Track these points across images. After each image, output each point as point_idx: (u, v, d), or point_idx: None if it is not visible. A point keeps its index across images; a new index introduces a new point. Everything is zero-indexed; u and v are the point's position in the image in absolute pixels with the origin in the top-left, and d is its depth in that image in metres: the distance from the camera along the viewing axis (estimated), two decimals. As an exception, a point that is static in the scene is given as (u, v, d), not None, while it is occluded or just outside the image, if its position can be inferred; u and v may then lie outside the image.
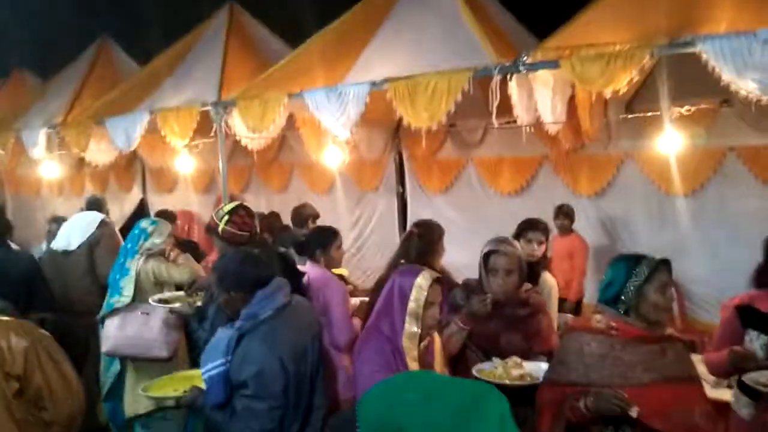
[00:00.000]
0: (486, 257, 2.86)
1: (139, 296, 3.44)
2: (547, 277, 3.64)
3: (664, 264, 2.30)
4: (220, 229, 3.23)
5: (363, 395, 1.40)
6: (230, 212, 3.26)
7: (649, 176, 5.64)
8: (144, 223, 3.75)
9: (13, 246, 4.86)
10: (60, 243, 4.54)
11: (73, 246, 4.50)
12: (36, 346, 2.23)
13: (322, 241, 3.71)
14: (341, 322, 3.42)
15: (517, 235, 3.58)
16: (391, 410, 1.30)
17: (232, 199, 5.56)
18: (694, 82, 4.24)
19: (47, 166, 8.10)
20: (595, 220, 6.02)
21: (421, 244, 3.37)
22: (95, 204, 5.57)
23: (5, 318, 2.34)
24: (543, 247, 3.67)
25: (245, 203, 3.64)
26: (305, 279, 3.42)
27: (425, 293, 2.36)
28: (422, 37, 4.55)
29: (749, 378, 2.50)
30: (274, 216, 6.06)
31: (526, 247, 3.55)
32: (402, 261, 3.31)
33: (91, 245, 4.48)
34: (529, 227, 3.67)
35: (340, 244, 3.82)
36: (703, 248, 5.30)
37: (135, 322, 3.38)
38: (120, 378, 3.47)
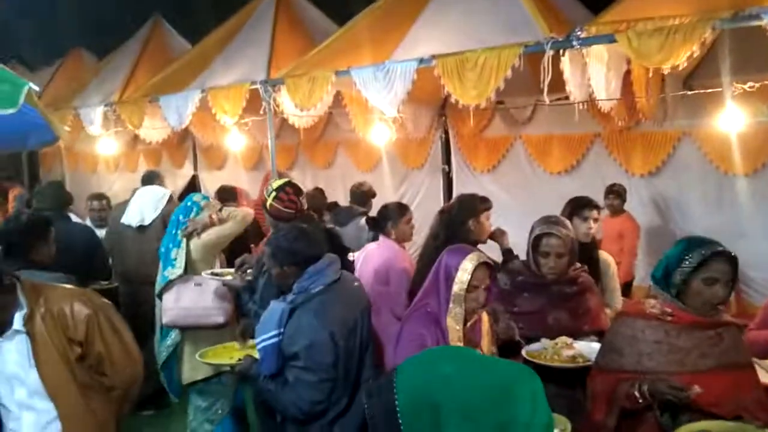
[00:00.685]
0: (537, 239, 2.82)
1: (191, 268, 3.52)
2: (605, 255, 3.56)
3: (719, 256, 2.13)
4: (267, 204, 3.32)
5: (401, 364, 1.41)
6: (277, 189, 3.33)
7: (707, 155, 5.43)
8: (196, 197, 3.82)
9: (73, 218, 5.05)
10: (134, 218, 4.71)
11: (148, 221, 4.70)
12: (98, 314, 2.28)
13: (393, 216, 3.80)
14: (398, 296, 3.49)
15: (570, 214, 3.50)
16: (428, 383, 1.31)
17: (279, 176, 5.66)
18: (757, 56, 4.06)
19: (104, 142, 8.39)
20: (648, 200, 5.85)
21: (450, 222, 3.35)
22: (153, 178, 5.66)
23: (70, 286, 2.44)
24: (597, 225, 3.60)
25: (292, 180, 3.70)
26: (372, 251, 3.56)
27: (469, 276, 2.36)
28: (471, 13, 4.48)
29: None
30: (319, 192, 6.13)
31: (581, 225, 3.47)
32: (432, 241, 3.32)
33: (164, 219, 4.53)
34: (586, 205, 3.58)
35: (410, 218, 3.87)
36: (761, 231, 5.09)
37: (190, 293, 3.46)
38: (176, 347, 3.56)
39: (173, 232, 3.64)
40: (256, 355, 2.52)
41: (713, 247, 2.16)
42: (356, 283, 2.71)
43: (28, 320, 2.17)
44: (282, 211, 3.28)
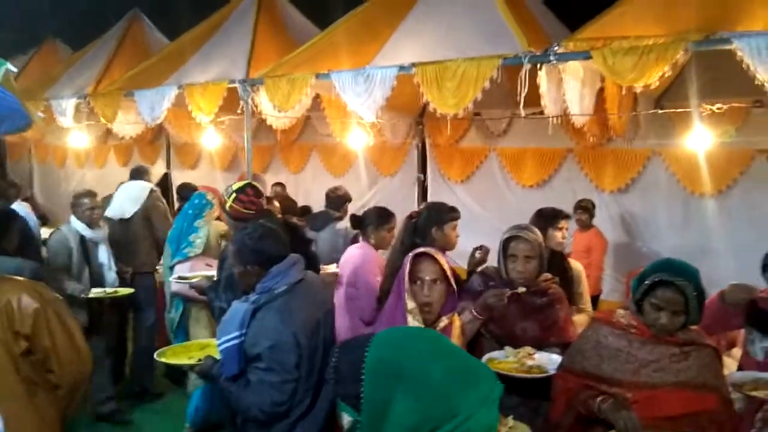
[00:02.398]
0: (506, 242, 2.85)
1: (207, 250, 4.21)
2: (575, 264, 3.65)
3: (665, 285, 2.19)
4: (227, 206, 3.35)
5: (383, 330, 1.47)
6: (238, 190, 3.40)
7: (675, 174, 5.57)
8: (209, 197, 4.40)
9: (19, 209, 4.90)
10: (116, 212, 5.03)
11: (128, 214, 5.02)
12: (46, 308, 2.22)
13: (373, 221, 3.83)
14: (367, 297, 3.51)
15: (544, 225, 3.56)
16: (400, 351, 1.36)
17: (254, 178, 5.68)
18: (726, 80, 4.17)
19: (75, 136, 8.22)
20: (617, 216, 5.96)
21: (415, 228, 3.36)
22: (142, 173, 5.75)
23: (19, 278, 2.37)
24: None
25: (256, 183, 3.79)
26: (351, 253, 3.70)
27: (408, 267, 2.39)
28: (452, 23, 4.52)
29: (732, 379, 2.47)
30: (281, 187, 6.23)
31: (556, 234, 3.55)
32: (399, 246, 3.34)
33: (146, 212, 5.04)
34: (557, 215, 3.65)
35: (393, 226, 3.88)
36: (728, 250, 5.21)
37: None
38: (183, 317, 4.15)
39: (190, 221, 4.29)
40: (216, 355, 2.48)
41: (660, 276, 2.21)
42: (320, 283, 2.70)
43: None
44: (242, 212, 3.35)
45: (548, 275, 2.93)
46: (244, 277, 2.46)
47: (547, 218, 3.62)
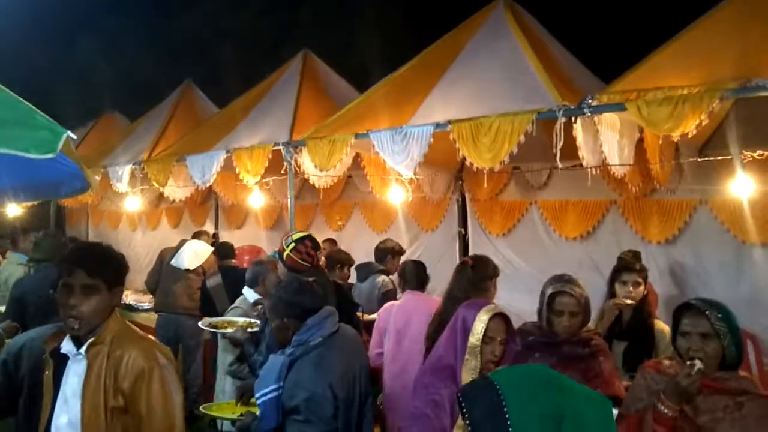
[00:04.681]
0: (552, 297, 2.83)
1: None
2: (661, 325, 3.44)
3: (689, 310, 2.23)
4: (285, 255, 3.41)
5: (495, 372, 1.58)
6: (296, 240, 3.45)
7: (725, 223, 5.41)
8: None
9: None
10: (182, 263, 5.92)
11: (192, 267, 5.87)
12: (152, 372, 2.13)
13: (422, 280, 3.98)
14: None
15: (612, 279, 3.51)
16: (554, 392, 1.45)
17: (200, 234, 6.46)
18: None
19: (129, 200, 8.65)
20: (666, 267, 5.79)
21: (474, 276, 3.35)
22: (200, 235, 6.74)
23: (148, 336, 2.33)
24: (641, 289, 3.53)
25: (312, 235, 3.83)
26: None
27: (484, 326, 2.37)
28: (486, 82, 4.64)
29: None
30: (330, 243, 6.46)
31: (620, 290, 3.47)
32: (453, 295, 3.33)
33: (204, 268, 5.95)
34: (623, 269, 3.58)
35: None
36: (784, 302, 4.99)
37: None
38: None
39: None
40: (257, 412, 2.51)
41: (686, 301, 2.29)
42: (355, 336, 2.72)
43: (91, 348, 2.14)
44: (298, 263, 3.38)
45: (590, 326, 2.88)
46: (281, 330, 2.51)
47: (614, 270, 3.59)
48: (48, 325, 2.69)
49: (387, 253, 5.58)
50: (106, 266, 2.19)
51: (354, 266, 5.60)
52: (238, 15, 13.09)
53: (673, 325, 2.30)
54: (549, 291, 2.85)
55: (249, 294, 4.01)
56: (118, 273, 2.24)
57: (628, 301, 3.47)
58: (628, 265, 3.61)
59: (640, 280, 3.54)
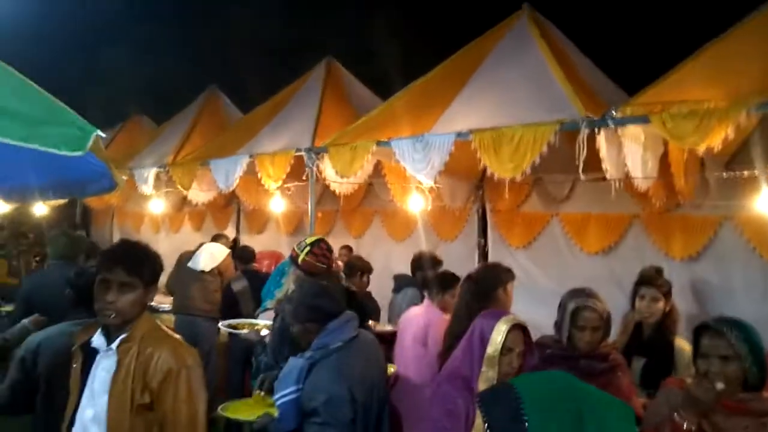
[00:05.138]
0: (574, 312, 2.80)
1: None
2: (682, 343, 3.36)
3: (708, 331, 2.19)
4: (300, 259, 3.46)
5: (515, 379, 1.65)
6: (311, 244, 3.50)
7: (751, 241, 5.29)
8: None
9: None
10: (198, 264, 6.04)
11: (207, 269, 5.99)
12: (180, 373, 2.18)
13: (442, 285, 3.91)
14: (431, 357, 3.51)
15: (633, 294, 3.46)
16: (565, 391, 1.53)
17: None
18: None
19: (154, 203, 8.79)
20: (689, 285, 5.67)
21: (477, 288, 3.33)
22: (219, 238, 6.91)
23: (177, 336, 2.38)
24: (660, 305, 3.46)
25: (324, 238, 3.89)
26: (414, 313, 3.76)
27: (503, 337, 2.35)
28: (509, 91, 4.64)
29: None
30: (348, 249, 6.56)
31: (639, 304, 3.42)
32: (464, 308, 3.31)
33: (219, 269, 6.06)
34: (642, 282, 3.52)
35: (455, 293, 3.87)
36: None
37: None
38: None
39: (277, 279, 4.40)
40: (275, 413, 2.52)
41: (705, 322, 2.25)
42: (375, 342, 2.73)
43: (122, 344, 2.19)
44: (314, 265, 3.43)
45: (608, 341, 2.85)
46: (302, 334, 2.53)
47: (635, 284, 3.55)
48: (65, 322, 2.74)
49: (415, 266, 5.60)
50: (144, 265, 2.26)
51: (393, 276, 5.69)
52: (264, 23, 13.27)
53: (693, 345, 2.25)
54: (572, 305, 2.82)
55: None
56: (154, 272, 2.31)
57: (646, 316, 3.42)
58: (646, 279, 3.55)
59: (659, 295, 3.46)
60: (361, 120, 5.66)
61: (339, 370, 2.35)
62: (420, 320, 3.83)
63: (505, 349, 2.36)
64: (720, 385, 2.09)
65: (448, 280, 3.93)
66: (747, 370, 2.13)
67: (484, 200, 6.95)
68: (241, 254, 6.42)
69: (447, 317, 3.80)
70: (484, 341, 2.38)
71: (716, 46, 4.08)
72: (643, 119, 3.74)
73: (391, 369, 3.65)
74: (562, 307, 2.90)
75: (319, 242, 3.55)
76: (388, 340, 4.29)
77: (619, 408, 1.51)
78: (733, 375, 2.14)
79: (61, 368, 2.38)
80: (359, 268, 5.49)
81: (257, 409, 2.76)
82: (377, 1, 12.51)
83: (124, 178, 5.60)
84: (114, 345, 2.20)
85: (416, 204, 6.32)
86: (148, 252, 2.32)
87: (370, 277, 5.57)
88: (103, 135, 2.30)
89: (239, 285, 5.79)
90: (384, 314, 5.89)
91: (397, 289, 5.37)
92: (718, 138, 3.38)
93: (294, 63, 8.12)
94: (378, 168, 5.82)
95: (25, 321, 3.21)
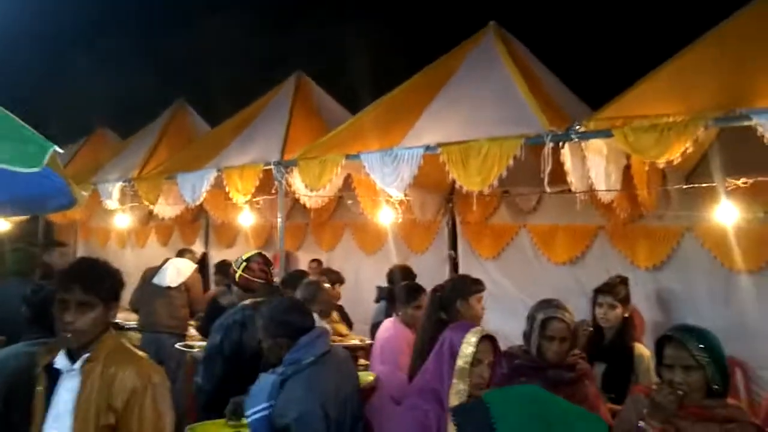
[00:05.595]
0: (544, 323, 2.83)
1: None
2: (641, 349, 3.48)
3: (669, 341, 2.26)
4: (237, 276, 3.42)
5: (494, 393, 1.67)
6: (247, 259, 3.48)
7: (712, 251, 5.44)
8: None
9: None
10: (164, 280, 5.90)
11: (174, 284, 5.88)
12: (145, 391, 2.14)
13: (403, 298, 3.90)
14: (392, 376, 3.51)
15: (593, 300, 3.57)
16: (540, 405, 1.55)
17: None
18: (754, 155, 4.18)
19: (119, 218, 8.61)
20: (653, 293, 5.81)
21: (442, 302, 3.35)
22: (185, 253, 6.79)
23: (142, 354, 2.32)
24: (617, 311, 3.55)
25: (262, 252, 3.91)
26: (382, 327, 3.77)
27: (473, 349, 2.37)
28: (476, 106, 4.70)
29: None
30: (317, 263, 6.46)
31: (597, 311, 3.52)
32: (426, 321, 3.33)
33: (187, 285, 5.96)
34: (598, 291, 3.63)
35: (421, 304, 3.89)
36: (770, 330, 5.00)
37: None
38: None
39: None
40: None
41: (667, 332, 2.32)
42: (347, 357, 2.72)
43: (86, 364, 2.14)
44: (252, 281, 3.41)
45: (576, 351, 2.89)
46: (273, 349, 2.50)
47: (594, 292, 3.63)
48: (21, 343, 2.66)
49: (390, 278, 5.62)
50: (102, 282, 2.20)
51: (376, 287, 5.77)
52: (232, 35, 13.23)
53: (656, 354, 2.30)
54: (540, 316, 2.86)
55: None
56: (113, 289, 2.25)
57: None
58: (603, 287, 3.65)
59: (615, 303, 3.57)
60: (330, 134, 5.67)
61: (311, 385, 2.33)
62: (383, 334, 3.83)
63: (475, 360, 2.38)
64: (680, 392, 2.14)
65: (409, 293, 3.93)
66: (709, 378, 2.19)
67: (454, 213, 7.01)
68: (222, 268, 6.32)
69: (406, 330, 3.81)
70: (453, 353, 2.39)
71: (675, 62, 4.21)
72: (606, 133, 3.83)
73: (370, 377, 3.63)
74: (530, 318, 2.94)
75: (256, 257, 3.53)
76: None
77: (590, 422, 1.53)
78: (696, 384, 2.19)
79: (18, 390, 2.30)
80: (330, 280, 5.49)
81: (227, 429, 2.71)
82: (347, 17, 12.61)
83: (85, 193, 5.49)
84: (77, 365, 2.15)
85: (387, 217, 6.35)
86: (106, 269, 2.27)
87: (340, 290, 5.58)
88: (61, 150, 2.25)
89: (227, 299, 5.69)
90: (365, 326, 5.90)
91: (377, 300, 5.38)
92: (677, 151, 3.48)
93: (263, 77, 8.12)
94: (348, 181, 5.83)
95: None
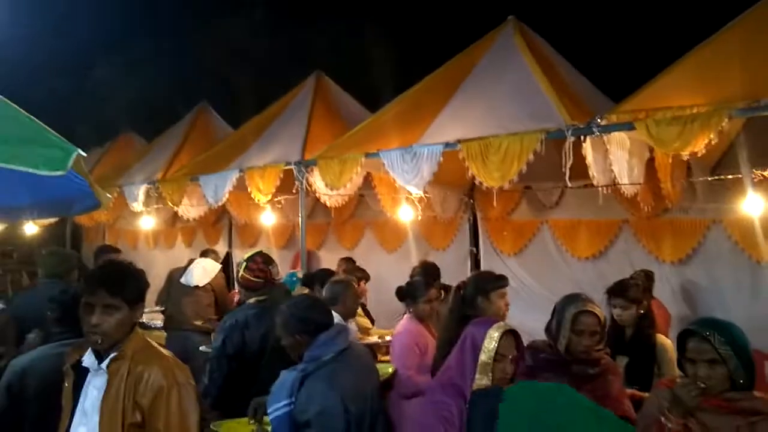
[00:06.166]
0: (576, 317, 2.82)
1: None
2: (663, 340, 3.50)
3: (692, 336, 2.21)
4: (239, 276, 3.47)
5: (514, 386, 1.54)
6: (248, 259, 3.54)
7: (739, 243, 5.35)
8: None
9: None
10: (191, 280, 6.00)
11: (201, 284, 5.96)
12: (171, 389, 2.17)
13: (412, 293, 3.86)
14: (400, 372, 3.53)
15: (608, 302, 3.57)
16: (540, 405, 1.53)
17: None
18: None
19: (144, 219, 8.76)
20: (679, 288, 5.73)
21: (463, 298, 3.34)
22: (209, 253, 6.80)
23: (167, 352, 2.37)
24: (631, 311, 3.54)
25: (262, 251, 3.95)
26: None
27: (496, 344, 2.36)
28: (496, 101, 4.69)
29: None
30: (347, 262, 6.43)
31: (613, 312, 3.54)
32: (449, 316, 3.33)
33: (211, 285, 6.03)
34: (610, 292, 3.61)
35: (431, 298, 3.89)
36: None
37: None
38: None
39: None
40: (269, 430, 2.52)
41: (688, 327, 2.27)
42: (366, 352, 2.74)
43: (113, 363, 2.19)
44: (251, 280, 3.46)
45: (600, 345, 2.87)
46: (294, 347, 2.53)
47: (608, 292, 3.61)
48: (50, 344, 2.73)
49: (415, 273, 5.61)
50: (127, 285, 2.23)
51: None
52: (254, 38, 13.34)
53: (678, 348, 2.27)
54: (572, 310, 2.83)
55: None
56: (138, 290, 2.29)
57: None
58: (614, 289, 3.62)
59: (626, 303, 3.55)
60: (350, 132, 5.70)
61: (331, 381, 2.35)
62: (395, 332, 3.86)
63: (498, 355, 2.37)
64: (701, 385, 2.12)
65: (417, 288, 3.93)
66: (732, 372, 2.16)
67: (475, 209, 6.99)
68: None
69: (419, 326, 3.80)
70: (476, 349, 2.39)
71: (698, 53, 4.15)
72: (628, 126, 3.79)
73: (389, 370, 3.65)
74: (558, 312, 2.91)
75: (255, 256, 3.58)
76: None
77: (612, 424, 1.52)
78: (720, 378, 2.16)
79: (51, 391, 2.36)
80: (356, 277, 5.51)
81: (250, 427, 2.75)
82: (365, 16, 12.62)
83: (109, 195, 5.60)
84: (104, 364, 2.19)
85: (407, 214, 6.35)
86: (130, 271, 2.31)
87: (366, 287, 5.61)
88: (84, 154, 2.31)
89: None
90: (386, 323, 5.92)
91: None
92: (701, 143, 3.43)
93: (284, 77, 8.18)
94: (368, 180, 5.85)
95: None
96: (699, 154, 3.56)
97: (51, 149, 2.24)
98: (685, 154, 3.57)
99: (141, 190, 7.28)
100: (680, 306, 5.63)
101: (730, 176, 4.74)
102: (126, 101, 12.68)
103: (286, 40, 13.72)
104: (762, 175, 4.31)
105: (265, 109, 7.35)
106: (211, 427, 2.84)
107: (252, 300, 3.58)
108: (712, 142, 3.47)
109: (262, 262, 3.57)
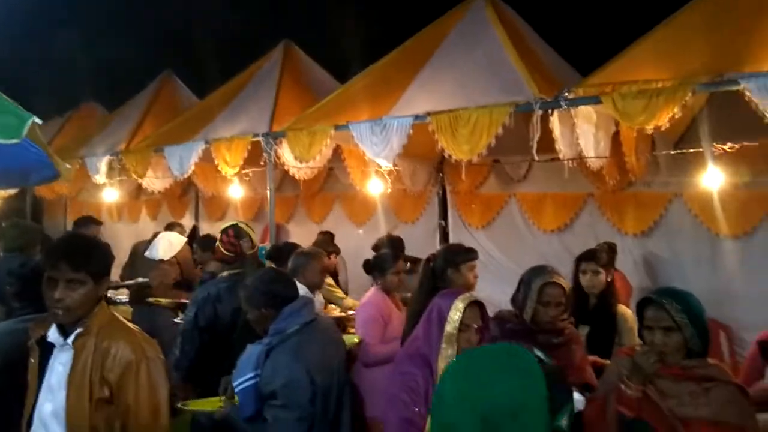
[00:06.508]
0: (542, 288, 2.87)
1: None
2: (624, 310, 3.59)
3: (649, 304, 2.30)
4: (214, 248, 3.48)
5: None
6: (221, 232, 3.52)
7: (699, 216, 5.49)
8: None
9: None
10: (156, 254, 5.72)
11: (166, 257, 5.66)
12: (140, 365, 2.15)
13: (380, 266, 3.89)
14: (363, 342, 3.59)
15: (576, 267, 3.64)
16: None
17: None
18: (743, 121, 4.20)
19: (108, 192, 8.54)
20: (641, 259, 5.88)
21: (432, 270, 3.38)
22: (174, 226, 6.74)
23: (134, 327, 2.33)
24: (601, 277, 3.64)
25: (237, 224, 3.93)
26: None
27: (460, 314, 2.40)
28: (466, 74, 4.67)
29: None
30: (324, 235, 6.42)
31: (582, 279, 3.59)
32: (419, 289, 3.37)
33: (176, 258, 5.67)
34: (581, 258, 3.70)
35: (399, 269, 3.94)
36: (754, 294, 5.09)
37: None
38: None
39: None
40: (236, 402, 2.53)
41: (647, 295, 2.36)
42: (332, 325, 2.75)
43: (78, 338, 2.14)
44: (223, 254, 3.46)
45: (564, 315, 2.94)
46: (259, 320, 2.53)
47: (576, 260, 3.72)
48: (11, 320, 2.67)
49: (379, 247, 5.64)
50: (91, 258, 2.17)
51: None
52: (219, 5, 12.98)
53: (637, 317, 2.35)
54: (538, 281, 2.89)
55: None
56: (103, 264, 2.23)
57: None
58: (586, 254, 3.73)
59: (598, 269, 3.64)
60: (319, 104, 5.62)
61: (296, 353, 2.36)
62: (362, 301, 3.93)
63: (463, 325, 2.41)
64: (660, 351, 2.19)
65: (385, 260, 3.97)
66: (688, 339, 2.23)
67: (444, 182, 7.02)
68: (203, 243, 6.35)
69: (385, 298, 3.86)
70: (442, 319, 2.43)
71: (664, 28, 4.19)
72: (595, 99, 3.82)
73: (355, 339, 3.69)
74: (525, 283, 2.96)
75: (228, 229, 3.59)
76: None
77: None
78: (675, 345, 2.24)
79: (12, 367, 2.31)
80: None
81: (219, 404, 2.74)
82: (335, -16, 12.38)
83: (69, 166, 5.44)
84: (70, 340, 2.15)
85: (376, 187, 6.34)
86: (94, 244, 2.25)
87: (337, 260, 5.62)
88: (41, 122, 2.22)
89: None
90: (356, 296, 5.95)
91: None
92: (665, 117, 3.49)
93: (251, 47, 7.96)
94: (338, 152, 5.80)
95: None
96: (663, 128, 3.61)
97: (5, 116, 2.15)
98: (650, 128, 3.62)
99: (103, 162, 7.08)
100: (642, 277, 5.79)
101: (692, 150, 4.84)
102: (87, 70, 12.25)
103: (255, 8, 13.37)
104: (722, 148, 4.42)
105: (232, 78, 7.19)
106: (179, 405, 2.82)
107: (225, 273, 3.55)
108: (676, 116, 3.53)
109: (234, 235, 3.58)
